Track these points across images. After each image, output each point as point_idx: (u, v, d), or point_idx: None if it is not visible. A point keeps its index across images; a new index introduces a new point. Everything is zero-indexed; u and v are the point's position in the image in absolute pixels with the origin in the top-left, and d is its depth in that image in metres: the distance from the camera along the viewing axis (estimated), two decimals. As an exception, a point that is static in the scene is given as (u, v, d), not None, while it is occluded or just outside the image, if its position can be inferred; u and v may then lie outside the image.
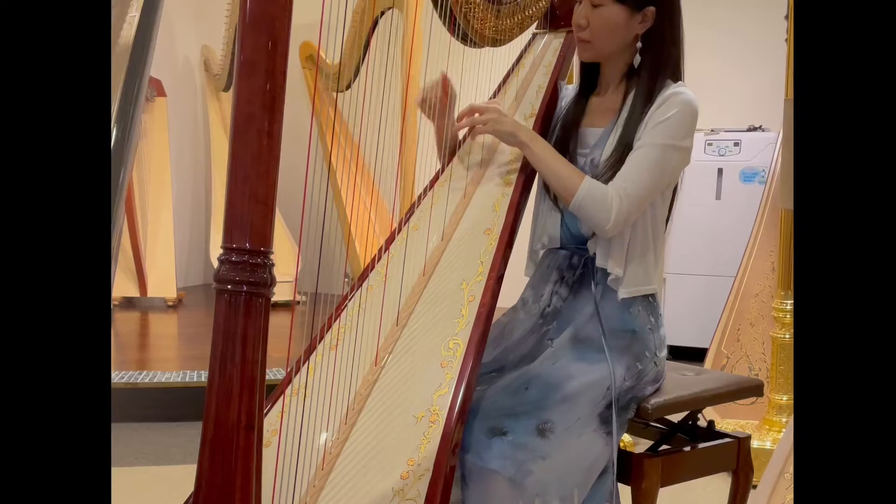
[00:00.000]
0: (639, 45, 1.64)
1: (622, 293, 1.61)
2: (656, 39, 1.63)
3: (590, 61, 1.71)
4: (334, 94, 4.91)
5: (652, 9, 1.60)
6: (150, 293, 4.91)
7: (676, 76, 1.65)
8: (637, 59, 1.64)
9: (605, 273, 1.62)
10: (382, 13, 4.17)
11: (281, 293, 4.36)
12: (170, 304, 4.92)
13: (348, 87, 4.49)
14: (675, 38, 1.65)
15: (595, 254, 1.64)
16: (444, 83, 1.77)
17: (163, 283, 4.94)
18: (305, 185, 1.19)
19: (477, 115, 1.67)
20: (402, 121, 3.46)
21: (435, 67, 1.89)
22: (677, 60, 1.65)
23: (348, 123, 4.93)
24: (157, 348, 4.04)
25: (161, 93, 5.19)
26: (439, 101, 1.76)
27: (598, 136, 1.68)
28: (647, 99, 1.60)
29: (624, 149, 1.59)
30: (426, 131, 1.93)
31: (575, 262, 1.68)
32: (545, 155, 1.62)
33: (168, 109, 5.24)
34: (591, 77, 1.75)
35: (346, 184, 4.75)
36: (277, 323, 1.09)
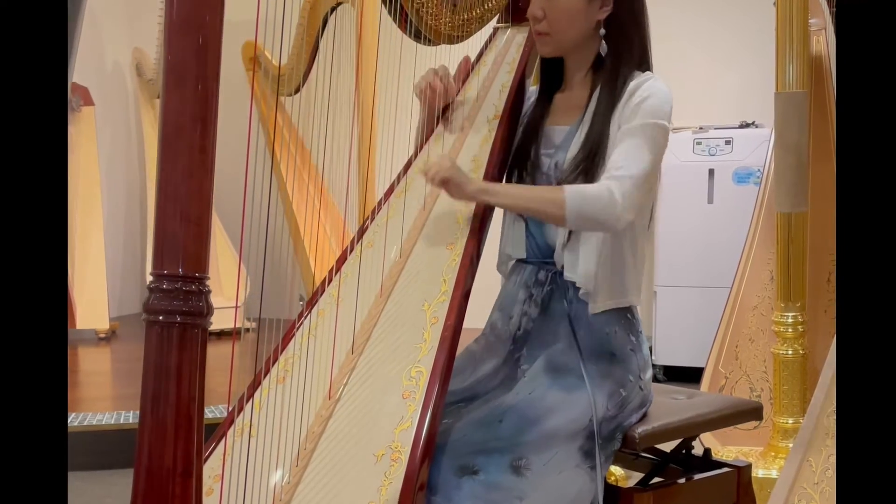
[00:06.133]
0: (602, 32, 1.65)
1: (593, 307, 1.60)
2: (617, 25, 1.64)
3: (551, 56, 1.72)
4: (282, 98, 4.90)
5: None
6: (80, 324, 4.83)
7: (644, 65, 1.65)
8: (604, 47, 1.65)
9: (577, 287, 1.62)
10: (334, 8, 4.17)
11: (224, 320, 4.32)
12: (101, 336, 4.85)
13: (298, 90, 4.48)
14: (638, 22, 1.65)
15: (563, 266, 1.63)
16: (466, 63, 1.82)
17: (93, 312, 4.86)
18: (245, 198, 1.17)
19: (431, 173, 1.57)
20: (355, 124, 3.45)
21: (392, 66, 1.89)
22: (643, 46, 1.66)
23: (298, 130, 4.91)
24: (88, 386, 3.97)
25: (88, 101, 5.14)
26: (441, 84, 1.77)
27: (564, 135, 1.68)
28: (613, 93, 1.60)
29: (591, 146, 1.59)
30: (385, 135, 1.93)
31: (542, 278, 1.68)
32: (512, 192, 1.65)
33: (96, 119, 5.19)
34: (553, 74, 1.76)
35: (298, 196, 4.72)
36: (220, 353, 1.07)
